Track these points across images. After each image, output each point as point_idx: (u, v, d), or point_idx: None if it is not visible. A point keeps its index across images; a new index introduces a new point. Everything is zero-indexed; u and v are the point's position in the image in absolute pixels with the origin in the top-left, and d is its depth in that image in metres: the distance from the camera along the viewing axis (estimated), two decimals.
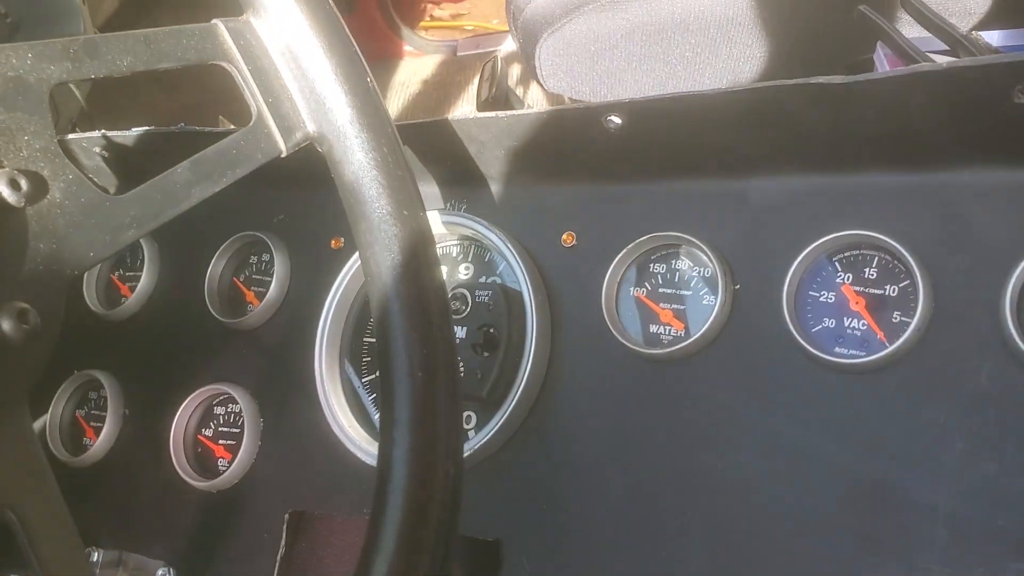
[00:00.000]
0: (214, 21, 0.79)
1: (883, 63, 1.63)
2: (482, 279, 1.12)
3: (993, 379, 0.85)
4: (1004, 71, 0.78)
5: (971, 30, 1.70)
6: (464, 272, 1.14)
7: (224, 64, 0.79)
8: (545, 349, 1.04)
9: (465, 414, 1.09)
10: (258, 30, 0.80)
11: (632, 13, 1.84)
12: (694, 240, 0.98)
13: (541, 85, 1.94)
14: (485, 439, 1.02)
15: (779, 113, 0.91)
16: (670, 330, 1.01)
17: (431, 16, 3.75)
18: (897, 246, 0.89)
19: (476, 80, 3.14)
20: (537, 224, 1.10)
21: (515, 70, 2.99)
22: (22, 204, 0.63)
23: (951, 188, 0.89)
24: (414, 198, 0.81)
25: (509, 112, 1.04)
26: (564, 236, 1.08)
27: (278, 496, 1.16)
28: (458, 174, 1.15)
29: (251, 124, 0.78)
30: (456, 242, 1.15)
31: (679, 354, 0.97)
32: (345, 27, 0.82)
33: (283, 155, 0.79)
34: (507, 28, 3.27)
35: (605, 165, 1.05)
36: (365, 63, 0.82)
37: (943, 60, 1.46)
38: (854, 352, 0.92)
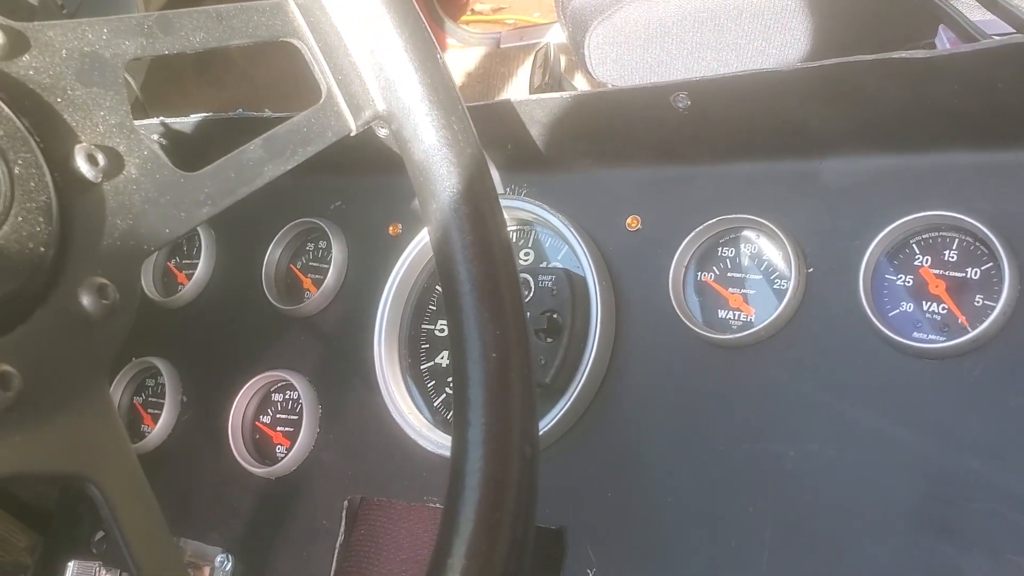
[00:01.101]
0: None
1: (944, 46, 1.59)
2: (543, 264, 1.11)
3: None
4: None
5: None
6: (524, 257, 1.12)
7: (294, 41, 0.78)
8: (609, 335, 1.02)
9: None
10: (327, 6, 0.79)
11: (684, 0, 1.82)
12: (765, 222, 0.96)
13: (590, 75, 1.92)
14: (548, 426, 1.01)
15: (854, 90, 0.88)
16: (739, 315, 0.99)
17: (472, 10, 3.75)
18: (980, 226, 0.86)
19: (519, 71, 3.14)
20: (600, 208, 1.08)
21: (560, 61, 2.97)
22: (99, 179, 0.62)
23: None
24: (485, 177, 0.79)
25: (572, 92, 1.02)
26: (629, 220, 1.05)
27: (337, 483, 1.15)
28: (519, 158, 1.13)
29: (321, 102, 0.77)
30: (516, 227, 1.14)
31: (750, 339, 0.95)
32: (414, 3, 0.81)
33: (353, 133, 0.78)
34: (548, 21, 3.26)
35: (670, 146, 1.03)
36: (435, 40, 0.81)
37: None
38: (934, 337, 0.89)
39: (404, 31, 0.79)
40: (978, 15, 1.50)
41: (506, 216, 1.09)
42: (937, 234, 0.91)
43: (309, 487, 1.17)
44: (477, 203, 0.78)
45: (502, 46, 3.22)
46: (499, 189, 1.15)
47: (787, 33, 1.81)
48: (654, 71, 1.90)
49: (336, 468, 1.16)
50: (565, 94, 1.01)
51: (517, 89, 3.02)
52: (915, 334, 0.90)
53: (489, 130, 1.09)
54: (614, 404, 1.02)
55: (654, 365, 1.01)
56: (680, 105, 0.96)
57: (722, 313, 1.00)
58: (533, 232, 1.13)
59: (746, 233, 1.00)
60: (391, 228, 1.20)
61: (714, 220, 0.99)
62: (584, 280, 1.03)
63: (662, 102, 0.96)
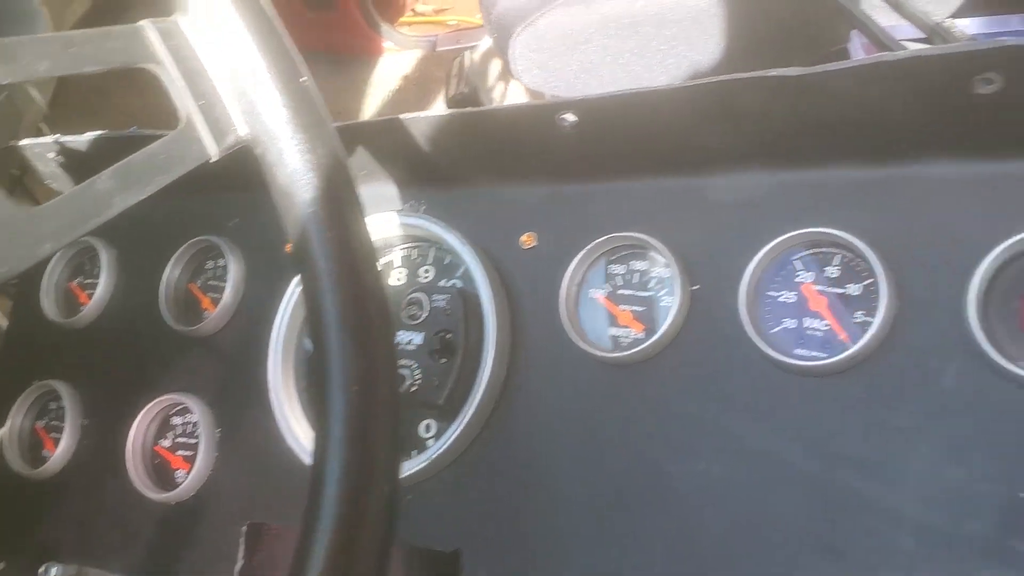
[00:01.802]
0: (142, 22, 0.76)
1: (858, 52, 1.60)
2: (443, 282, 1.09)
3: (959, 381, 0.82)
4: (963, 60, 0.76)
5: (951, 17, 1.67)
6: (424, 275, 1.11)
7: (151, 66, 0.75)
8: (504, 354, 1.01)
9: (424, 423, 1.06)
10: (186, 31, 0.77)
11: (606, 7, 1.81)
12: (650, 240, 0.95)
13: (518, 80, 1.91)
14: (443, 448, 0.99)
15: (736, 108, 0.88)
16: (630, 332, 0.98)
17: (414, 11, 3.72)
18: (858, 243, 0.86)
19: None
20: (497, 225, 1.07)
21: (496, 65, 2.96)
22: None
23: (915, 182, 0.86)
24: (353, 202, 0.78)
25: (462, 110, 1.01)
26: (524, 237, 1.05)
27: (236, 507, 1.13)
28: (417, 174, 1.12)
29: (179, 128, 0.75)
30: (415, 244, 1.12)
31: (638, 357, 0.94)
32: (279, 25, 0.79)
33: (212, 160, 0.76)
34: None
35: (564, 164, 1.02)
36: (301, 61, 0.79)
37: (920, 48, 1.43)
38: (815, 354, 0.89)
39: (267, 54, 0.77)
40: (893, 20, 1.52)
41: (404, 233, 1.08)
42: (819, 250, 0.91)
43: (209, 512, 1.15)
44: (343, 229, 0.76)
45: (438, 49, 3.20)
46: (397, 205, 1.13)
47: (709, 39, 1.82)
48: (579, 77, 1.89)
49: (235, 492, 1.14)
50: (455, 112, 1.00)
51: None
52: (797, 351, 0.90)
53: (385, 146, 1.08)
54: (510, 424, 1.01)
55: (549, 384, 1.00)
56: (566, 124, 0.95)
57: (613, 331, 0.99)
58: (432, 249, 1.11)
59: (635, 250, 0.99)
60: (287, 246, 1.17)
61: (604, 238, 0.99)
62: (479, 299, 1.02)
63: (547, 121, 0.95)
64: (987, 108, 0.77)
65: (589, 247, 0.99)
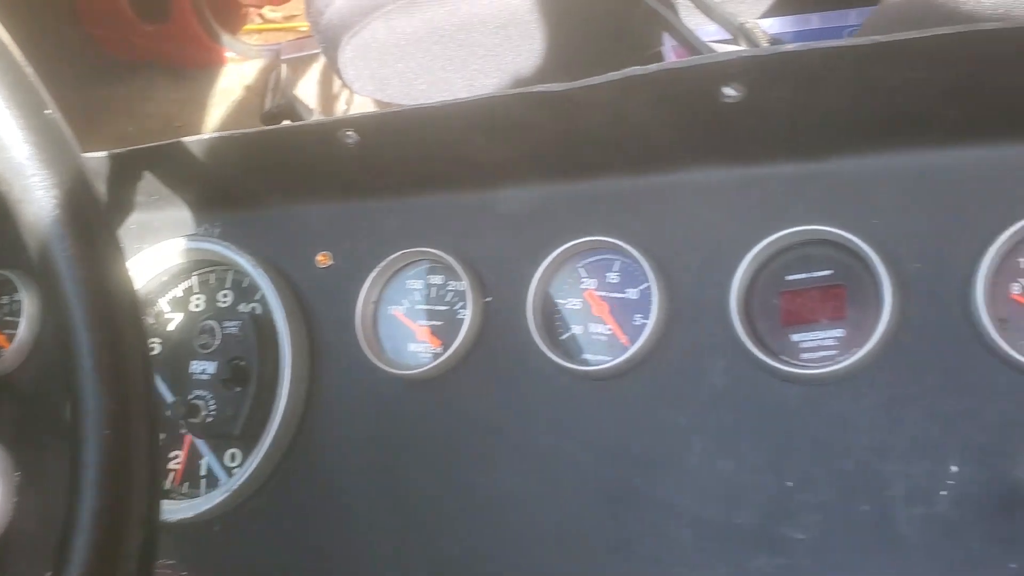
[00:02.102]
0: None
1: (669, 55, 1.65)
2: (242, 306, 1.07)
3: (726, 377, 0.85)
4: (708, 70, 0.78)
5: (762, 17, 1.74)
6: (223, 300, 1.09)
7: None
8: (302, 378, 1.00)
9: (229, 451, 1.04)
10: None
11: (431, 13, 1.81)
12: (441, 254, 0.96)
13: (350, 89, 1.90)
14: (244, 477, 0.97)
15: (510, 122, 0.89)
16: (429, 347, 0.98)
17: (263, 18, 3.64)
18: (631, 249, 0.89)
19: (301, 83, 3.08)
20: (291, 245, 1.05)
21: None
22: None
23: (678, 188, 0.89)
24: (106, 237, 0.75)
25: (249, 130, 0.99)
26: (319, 256, 1.04)
27: (39, 554, 1.08)
28: (209, 197, 1.09)
29: None
30: (212, 268, 1.10)
31: (434, 372, 0.95)
32: (18, 55, 0.76)
33: None
34: None
35: (355, 181, 1.01)
36: (44, 93, 0.76)
37: (728, 49, 1.48)
38: (600, 358, 0.91)
39: (6, 87, 0.74)
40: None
41: (200, 258, 1.05)
42: (600, 257, 0.93)
43: (10, 561, 1.09)
44: (97, 266, 0.73)
45: (283, 57, 3.14)
46: (190, 229, 1.10)
47: (535, 42, 1.84)
48: (411, 84, 1.88)
49: (37, 539, 1.08)
50: (242, 132, 0.98)
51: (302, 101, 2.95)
52: (584, 356, 0.92)
53: (175, 169, 1.05)
54: (313, 448, 1.00)
55: (351, 405, 1.00)
56: (349, 141, 0.94)
57: (412, 347, 0.99)
58: (231, 273, 1.09)
59: (429, 265, 0.99)
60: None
61: (397, 254, 0.99)
62: (274, 322, 1.00)
63: (330, 139, 0.94)
64: (734, 115, 0.81)
65: (383, 264, 0.99)
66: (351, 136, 0.94)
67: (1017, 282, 0.78)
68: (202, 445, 1.04)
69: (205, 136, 0.99)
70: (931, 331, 0.78)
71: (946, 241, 0.79)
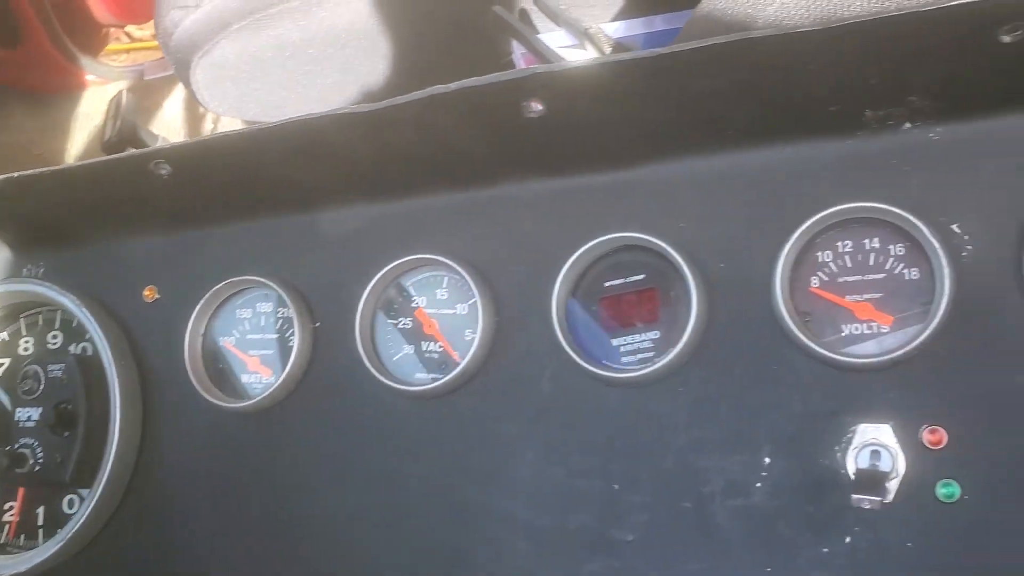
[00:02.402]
0: None
1: (519, 63, 1.66)
2: (72, 346, 1.03)
3: (554, 385, 0.86)
4: (509, 88, 0.79)
5: (609, 21, 1.76)
6: (52, 341, 1.05)
7: None
8: (136, 418, 0.97)
9: (67, 497, 1.00)
10: None
11: (279, 30, 1.77)
12: (266, 282, 0.94)
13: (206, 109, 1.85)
14: (76, 527, 0.94)
15: (324, 144, 0.88)
16: (260, 377, 0.97)
17: (128, 37, 3.53)
18: (455, 264, 0.89)
19: (165, 104, 2.99)
20: (118, 281, 1.02)
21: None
22: None
23: (496, 203, 0.90)
24: None
25: (59, 167, 0.95)
26: (146, 291, 1.01)
27: None
28: (31, 236, 1.06)
29: None
30: (39, 310, 1.05)
31: (267, 402, 0.93)
32: None
33: None
34: None
35: (176, 212, 0.99)
36: None
37: (577, 54, 1.50)
38: (433, 375, 0.91)
39: None
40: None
41: (25, 300, 1.01)
42: (430, 274, 0.93)
43: None
44: None
45: (147, 78, 3.05)
46: (13, 272, 1.06)
47: (388, 54, 1.83)
48: (269, 100, 1.85)
49: None
50: (41, 170, 0.94)
51: (163, 124, 2.88)
52: (417, 375, 0.92)
53: None
54: (150, 490, 0.97)
55: (186, 441, 0.97)
56: (162, 172, 0.92)
57: (245, 377, 0.97)
58: (59, 313, 1.05)
59: (257, 293, 0.98)
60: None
61: (221, 284, 0.97)
62: (102, 362, 0.97)
63: (143, 171, 0.92)
64: (541, 129, 0.82)
65: (208, 295, 0.97)
66: (164, 167, 0.92)
67: (816, 276, 0.81)
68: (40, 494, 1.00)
69: (15, 174, 0.95)
70: (738, 328, 0.81)
71: (747, 240, 0.81)
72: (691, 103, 0.78)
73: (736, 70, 0.73)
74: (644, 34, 1.72)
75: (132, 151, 0.92)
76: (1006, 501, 0.71)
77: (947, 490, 0.72)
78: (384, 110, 0.83)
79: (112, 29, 3.38)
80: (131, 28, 3.48)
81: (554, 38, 1.59)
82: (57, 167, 0.94)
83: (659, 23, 1.72)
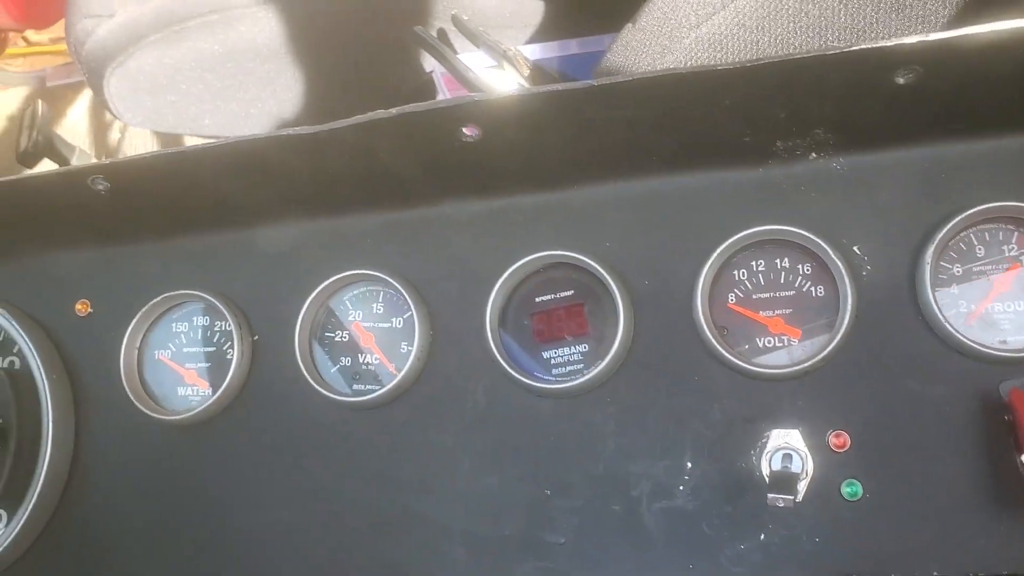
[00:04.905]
0: None
1: (440, 81, 1.70)
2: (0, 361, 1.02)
3: (488, 396, 0.90)
4: (447, 115, 0.83)
5: (526, 43, 1.82)
6: None
7: None
8: (68, 433, 0.97)
9: None
10: None
11: (198, 42, 1.78)
12: (205, 295, 0.96)
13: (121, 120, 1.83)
14: (5, 543, 0.93)
15: (263, 164, 0.90)
16: (197, 390, 0.98)
17: (26, 41, 3.42)
18: (392, 280, 0.92)
19: (69, 111, 2.92)
20: (48, 295, 1.02)
21: None
22: None
23: (433, 222, 0.94)
24: None
25: (3, 179, 0.95)
26: (78, 305, 1.01)
27: None
28: None
29: None
30: None
31: (205, 415, 0.95)
32: None
33: None
34: None
35: (112, 227, 1.00)
36: None
37: (494, 74, 1.55)
38: (370, 387, 0.94)
39: None
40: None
41: None
42: (365, 289, 0.96)
43: None
44: None
45: (48, 84, 2.97)
46: None
47: (309, 69, 1.84)
48: (185, 112, 1.84)
49: None
50: None
51: (68, 131, 2.81)
52: (354, 386, 0.95)
53: None
54: (81, 506, 0.97)
55: (120, 455, 0.98)
56: (100, 187, 0.93)
57: (181, 391, 0.99)
58: None
59: (195, 307, 0.99)
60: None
61: (159, 298, 0.98)
62: (33, 377, 0.97)
63: (81, 186, 0.92)
64: (476, 153, 0.86)
65: (145, 308, 0.98)
66: (102, 183, 0.92)
67: (733, 292, 0.87)
68: None
69: None
70: (662, 341, 0.87)
71: (669, 259, 0.87)
72: (617, 131, 0.84)
73: (661, 102, 0.79)
74: (559, 56, 1.78)
75: (68, 167, 0.93)
76: (904, 498, 0.78)
77: (851, 489, 0.79)
78: (325, 133, 0.86)
79: (10, 34, 3.28)
80: (28, 32, 3.39)
81: (473, 58, 1.63)
82: None
83: (574, 47, 1.79)
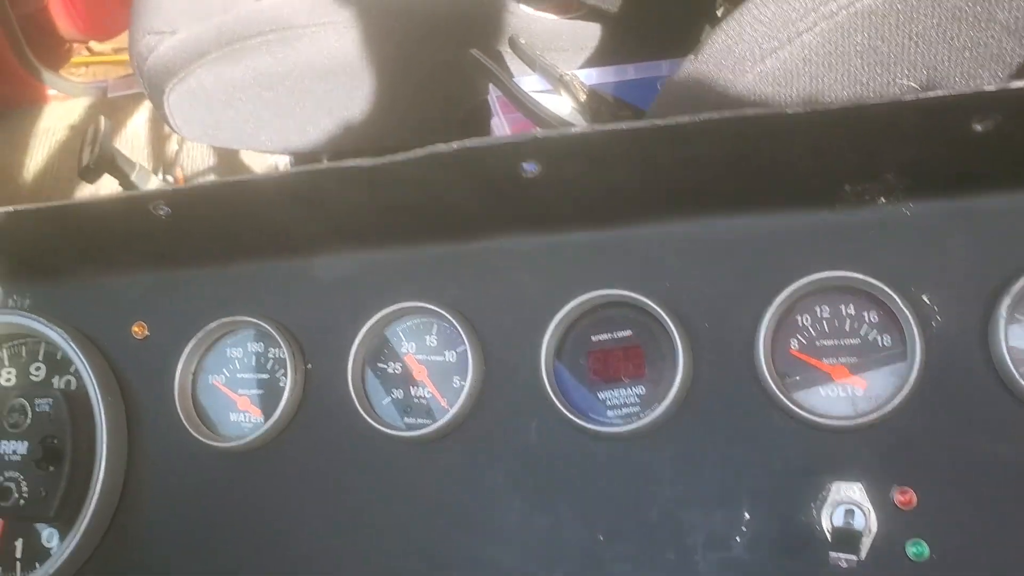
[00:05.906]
0: None
1: (495, 105, 1.69)
2: (55, 379, 1.04)
3: (541, 436, 0.89)
4: (508, 151, 0.82)
5: (581, 67, 1.81)
6: (35, 373, 1.05)
7: None
8: (120, 454, 0.98)
9: (47, 531, 1.00)
10: None
11: (257, 61, 1.79)
12: (260, 322, 0.96)
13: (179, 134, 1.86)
14: (60, 562, 0.94)
15: (320, 193, 0.90)
16: (249, 417, 0.98)
17: (89, 51, 3.50)
18: (446, 313, 0.91)
19: (129, 123, 2.97)
20: (106, 317, 1.03)
21: None
22: None
23: (490, 254, 0.93)
24: None
25: (53, 204, 0.96)
26: (135, 327, 1.02)
27: None
28: (18, 268, 1.06)
29: None
30: (22, 341, 1.06)
31: (257, 442, 0.95)
32: None
33: None
34: None
35: (171, 251, 1.00)
36: None
37: (550, 98, 1.54)
38: (422, 421, 0.93)
39: None
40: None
41: (8, 331, 1.01)
42: (419, 321, 0.96)
43: None
44: None
45: (110, 95, 3.03)
46: None
47: (366, 90, 1.85)
48: (243, 129, 1.86)
49: None
50: (40, 206, 0.95)
51: (126, 143, 2.86)
52: (406, 419, 0.94)
53: None
54: (132, 528, 0.98)
55: (171, 480, 0.98)
56: (161, 212, 0.93)
57: (233, 416, 0.99)
58: (42, 345, 1.05)
59: (249, 333, 0.99)
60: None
61: (215, 323, 0.98)
62: (88, 398, 0.98)
63: (141, 210, 0.93)
64: (535, 188, 0.85)
65: (201, 333, 0.98)
66: (163, 209, 0.93)
67: (795, 338, 0.85)
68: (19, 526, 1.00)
69: (12, 208, 0.96)
70: (721, 386, 0.85)
71: (730, 302, 0.85)
72: (680, 170, 0.82)
73: (728, 142, 0.77)
74: (615, 82, 1.77)
75: (131, 192, 0.94)
76: (973, 561, 0.75)
77: (917, 549, 0.76)
78: (383, 166, 0.86)
79: (75, 44, 3.36)
80: (92, 43, 3.47)
81: (530, 82, 1.63)
82: (57, 203, 0.95)
83: (631, 72, 1.77)
